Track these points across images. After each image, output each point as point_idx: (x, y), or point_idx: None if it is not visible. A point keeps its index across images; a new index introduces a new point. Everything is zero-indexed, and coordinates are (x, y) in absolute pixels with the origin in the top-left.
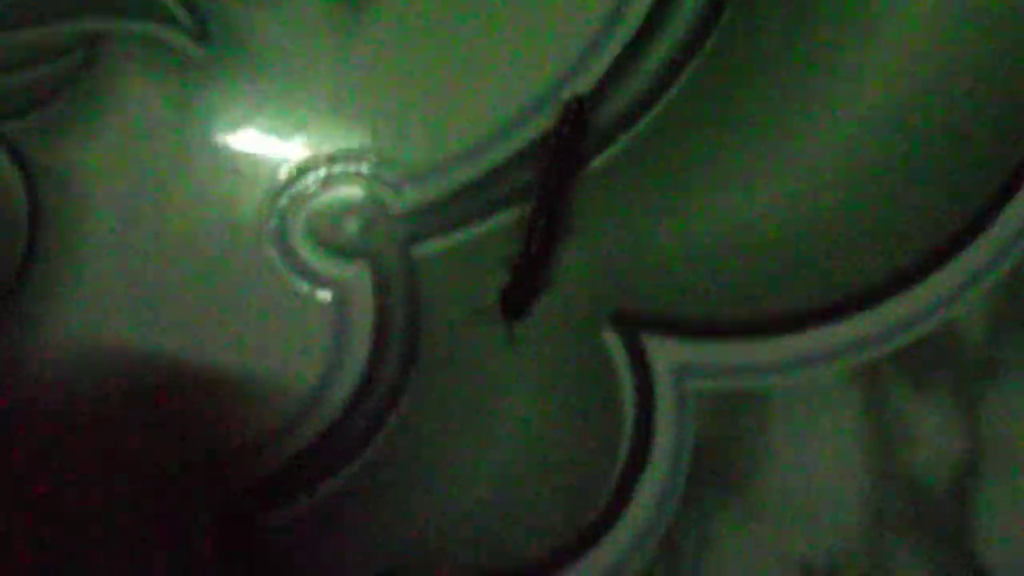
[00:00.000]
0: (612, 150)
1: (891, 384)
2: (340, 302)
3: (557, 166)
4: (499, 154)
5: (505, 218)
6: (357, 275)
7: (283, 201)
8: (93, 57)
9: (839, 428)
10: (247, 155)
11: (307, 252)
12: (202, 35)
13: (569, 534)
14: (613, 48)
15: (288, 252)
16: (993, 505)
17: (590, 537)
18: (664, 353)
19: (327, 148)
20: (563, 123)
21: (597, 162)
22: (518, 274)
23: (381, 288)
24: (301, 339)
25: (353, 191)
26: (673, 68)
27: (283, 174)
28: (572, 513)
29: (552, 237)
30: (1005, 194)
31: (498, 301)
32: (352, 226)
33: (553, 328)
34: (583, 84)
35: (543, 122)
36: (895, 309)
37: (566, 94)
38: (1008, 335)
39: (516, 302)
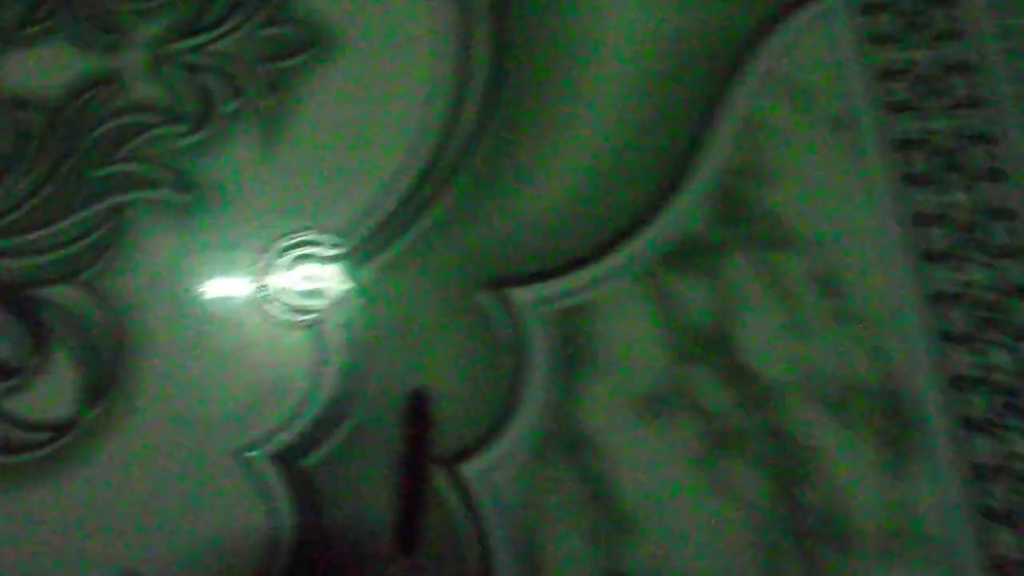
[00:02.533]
0: (459, 177)
1: (663, 277)
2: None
3: (412, 450)
4: (390, 204)
5: (411, 235)
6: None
7: (265, 261)
8: (119, 224)
9: (638, 312)
10: (234, 253)
11: (290, 299)
12: (187, 187)
13: (483, 420)
14: (436, 123)
15: (275, 302)
16: (748, 328)
17: (501, 420)
18: (521, 297)
19: (284, 233)
20: (412, 415)
21: (456, 184)
22: (402, 525)
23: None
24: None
25: (308, 252)
26: (484, 118)
27: (260, 261)
28: (478, 409)
29: (420, 491)
30: (696, 153)
31: (393, 540)
32: (309, 273)
33: (442, 300)
34: (429, 146)
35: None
36: (651, 233)
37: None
38: (723, 227)
39: (406, 540)
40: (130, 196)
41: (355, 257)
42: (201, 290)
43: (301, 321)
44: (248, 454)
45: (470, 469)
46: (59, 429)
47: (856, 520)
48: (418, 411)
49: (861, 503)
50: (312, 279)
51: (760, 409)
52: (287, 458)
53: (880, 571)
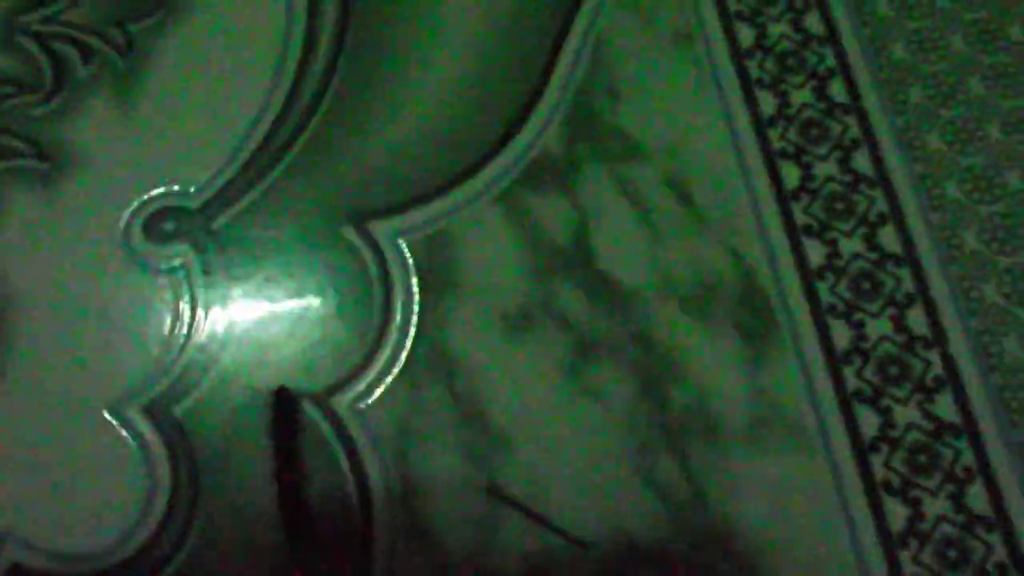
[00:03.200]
0: (313, 119)
1: (519, 196)
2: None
3: (282, 443)
4: (246, 153)
5: (270, 179)
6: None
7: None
8: None
9: (498, 233)
10: (98, 212)
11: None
12: (46, 155)
13: (354, 351)
14: (289, 70)
15: (131, 250)
16: (606, 239)
17: (371, 350)
18: (383, 228)
19: (145, 189)
20: (278, 411)
21: (310, 128)
22: (288, 519)
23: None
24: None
25: (167, 205)
26: (334, 59)
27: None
28: (348, 341)
29: (300, 480)
30: (547, 74)
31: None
32: (170, 226)
33: (308, 238)
34: (281, 94)
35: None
36: (508, 155)
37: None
38: (576, 143)
39: (294, 532)
40: None
41: (215, 206)
42: (67, 251)
43: (165, 273)
44: (121, 408)
45: (343, 401)
46: None
47: (724, 413)
48: (285, 415)
49: (728, 397)
50: (174, 232)
51: (623, 316)
52: (159, 407)
53: (751, 459)
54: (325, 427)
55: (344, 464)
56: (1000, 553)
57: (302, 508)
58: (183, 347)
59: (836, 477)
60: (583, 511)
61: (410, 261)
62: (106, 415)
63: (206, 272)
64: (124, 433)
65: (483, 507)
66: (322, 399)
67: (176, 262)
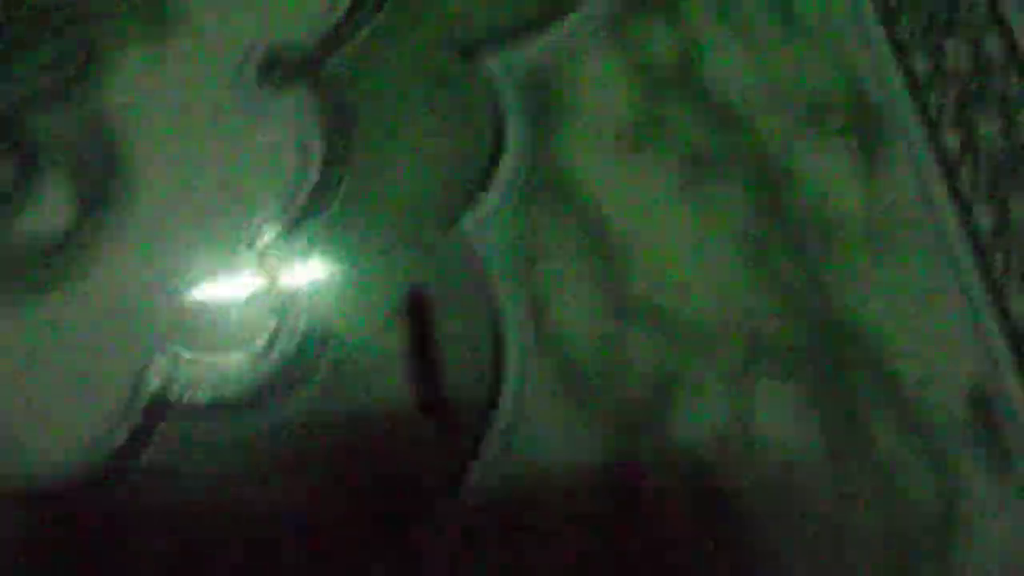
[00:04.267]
0: None
1: (625, 22)
2: None
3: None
4: None
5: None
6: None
7: (236, 66)
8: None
9: (606, 59)
10: (210, 60)
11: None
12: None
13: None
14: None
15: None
16: (713, 60)
17: (488, 173)
18: (492, 59)
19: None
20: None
21: None
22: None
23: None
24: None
25: (278, 50)
26: None
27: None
28: (463, 167)
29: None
30: None
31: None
32: (281, 71)
33: (420, 74)
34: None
35: None
36: None
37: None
38: None
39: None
40: (99, 25)
41: (325, 48)
42: (180, 102)
43: (280, 117)
44: (251, 244)
45: (469, 223)
46: (58, 245)
47: (842, 218)
48: (417, 312)
49: (845, 203)
50: (286, 77)
51: (734, 132)
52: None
53: (870, 259)
54: (448, 248)
55: (473, 282)
56: None
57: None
58: (304, 183)
59: (956, 276)
60: (705, 313)
61: (521, 90)
62: (240, 250)
63: (321, 113)
64: (257, 266)
65: (610, 322)
66: (446, 220)
67: (290, 106)
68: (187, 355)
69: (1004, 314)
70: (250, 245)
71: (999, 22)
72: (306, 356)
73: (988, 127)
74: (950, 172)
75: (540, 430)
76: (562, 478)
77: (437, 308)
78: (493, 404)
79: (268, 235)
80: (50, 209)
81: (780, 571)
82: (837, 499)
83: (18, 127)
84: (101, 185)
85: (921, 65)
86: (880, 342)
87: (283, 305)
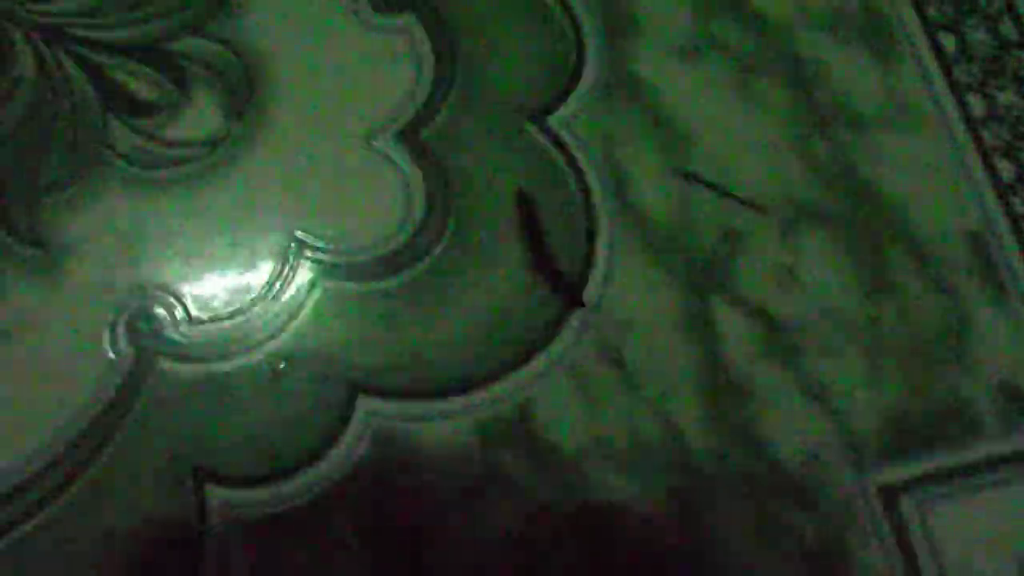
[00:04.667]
0: None
1: None
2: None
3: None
4: None
5: None
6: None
7: None
8: None
9: None
10: None
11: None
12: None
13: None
14: None
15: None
16: None
17: (572, 79)
18: None
19: None
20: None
21: None
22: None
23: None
24: None
25: None
26: None
27: None
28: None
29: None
30: None
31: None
32: None
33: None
34: None
35: None
36: None
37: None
38: None
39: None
40: None
41: None
42: (308, 22)
43: (393, 33)
44: (375, 140)
45: (556, 120)
46: (209, 144)
47: (864, 107)
48: (526, 211)
49: (865, 95)
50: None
51: (774, 41)
52: (408, 133)
53: (888, 139)
54: (544, 141)
55: (564, 168)
56: None
57: (540, 234)
58: (416, 93)
59: (955, 148)
60: (758, 186)
61: (597, 9)
62: (361, 144)
63: (427, 31)
64: (379, 158)
65: (679, 188)
66: (539, 120)
67: (402, 26)
68: (311, 241)
69: (994, 174)
70: (369, 146)
71: None
72: (429, 236)
73: (978, 33)
74: (948, 69)
75: (626, 280)
76: (647, 320)
77: (539, 193)
78: (589, 262)
79: (386, 137)
80: (199, 118)
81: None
82: (868, 323)
83: (165, 53)
84: (241, 98)
85: None
86: (897, 201)
87: (404, 197)
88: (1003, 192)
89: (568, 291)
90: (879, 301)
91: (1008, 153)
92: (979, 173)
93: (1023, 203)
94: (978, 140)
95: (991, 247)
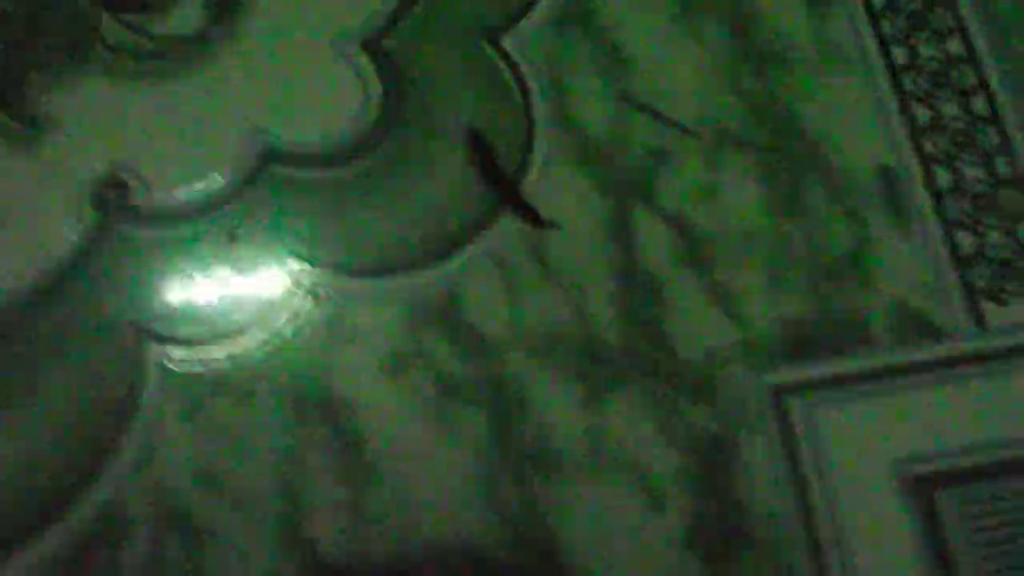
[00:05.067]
0: None
1: None
2: None
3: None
4: None
5: None
6: None
7: None
8: None
9: None
10: None
11: None
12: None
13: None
14: None
15: None
16: None
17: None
18: None
19: None
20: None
21: None
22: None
23: None
24: None
25: None
26: None
27: None
28: None
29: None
30: None
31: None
32: None
33: None
34: None
35: None
36: None
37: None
38: None
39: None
40: None
41: None
42: None
43: None
44: (341, 46)
45: (509, 40)
46: (189, 42)
47: (793, 47)
48: (477, 144)
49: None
50: None
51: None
52: (373, 42)
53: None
54: (496, 58)
55: (511, 84)
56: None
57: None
58: None
59: (876, 92)
60: (689, 112)
61: None
62: (326, 49)
63: None
64: (342, 63)
65: (615, 108)
66: (496, 37)
67: None
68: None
69: (910, 118)
70: (335, 51)
71: None
72: (379, 134)
73: None
74: (876, 21)
75: (557, 185)
76: (572, 222)
77: (486, 104)
78: (524, 169)
79: (352, 44)
80: (184, 17)
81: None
82: (777, 240)
83: None
84: (224, 2)
85: None
86: (817, 135)
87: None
88: (916, 135)
89: (532, 216)
90: (790, 222)
91: (924, 100)
92: (896, 116)
93: (934, 146)
94: (898, 87)
95: (900, 182)
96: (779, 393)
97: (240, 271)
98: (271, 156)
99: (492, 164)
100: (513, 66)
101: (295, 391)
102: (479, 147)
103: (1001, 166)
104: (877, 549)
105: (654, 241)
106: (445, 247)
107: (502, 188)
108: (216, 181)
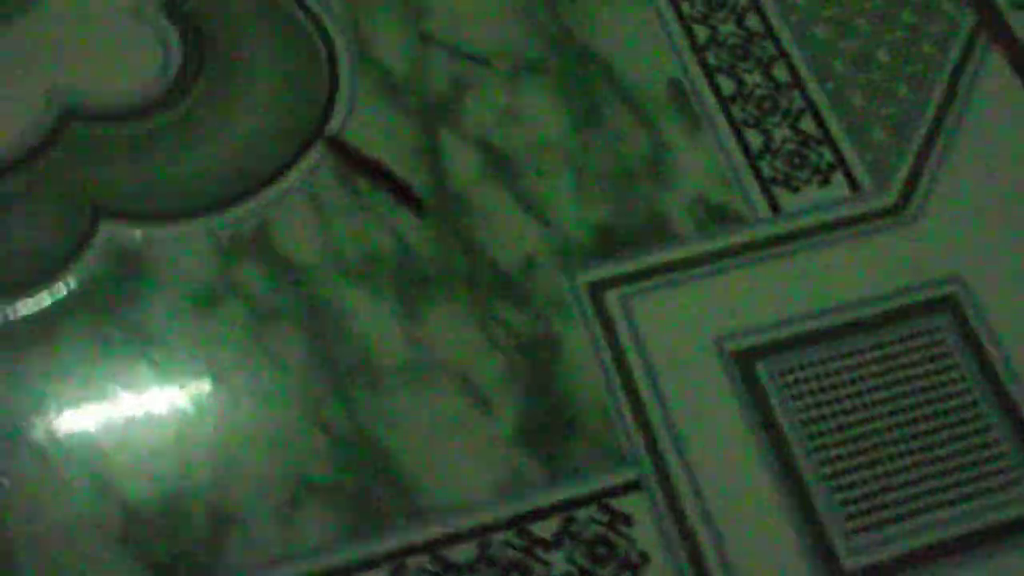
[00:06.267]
0: None
1: None
2: None
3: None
4: None
5: None
6: None
7: None
8: None
9: None
10: None
11: None
12: None
13: None
14: None
15: None
16: None
17: None
18: None
19: None
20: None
21: None
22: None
23: None
24: None
25: None
26: None
27: None
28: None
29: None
30: None
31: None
32: None
33: None
34: None
35: None
36: None
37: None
38: None
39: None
40: None
41: None
42: None
43: None
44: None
45: None
46: None
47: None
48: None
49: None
50: None
51: None
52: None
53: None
54: (295, 9)
55: (312, 33)
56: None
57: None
58: None
59: (660, 17)
60: (488, 44)
61: None
62: (128, 11)
63: None
64: (145, 24)
65: (417, 46)
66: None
67: None
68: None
69: (691, 37)
70: (136, 13)
71: None
72: (182, 87)
73: None
74: None
75: (366, 119)
76: (384, 150)
77: (290, 53)
78: (332, 102)
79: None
80: None
81: None
82: (579, 150)
83: None
84: None
85: None
86: (609, 57)
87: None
88: (699, 50)
89: (408, 195)
90: (589, 133)
91: (703, 20)
92: (679, 36)
93: (715, 58)
94: (678, 10)
95: (687, 90)
96: (595, 289)
97: (32, 228)
98: (72, 113)
99: (359, 158)
100: (313, 16)
101: (103, 337)
102: (341, 148)
103: (780, 71)
104: (706, 421)
105: (462, 162)
106: (252, 186)
107: (375, 174)
108: (17, 139)
